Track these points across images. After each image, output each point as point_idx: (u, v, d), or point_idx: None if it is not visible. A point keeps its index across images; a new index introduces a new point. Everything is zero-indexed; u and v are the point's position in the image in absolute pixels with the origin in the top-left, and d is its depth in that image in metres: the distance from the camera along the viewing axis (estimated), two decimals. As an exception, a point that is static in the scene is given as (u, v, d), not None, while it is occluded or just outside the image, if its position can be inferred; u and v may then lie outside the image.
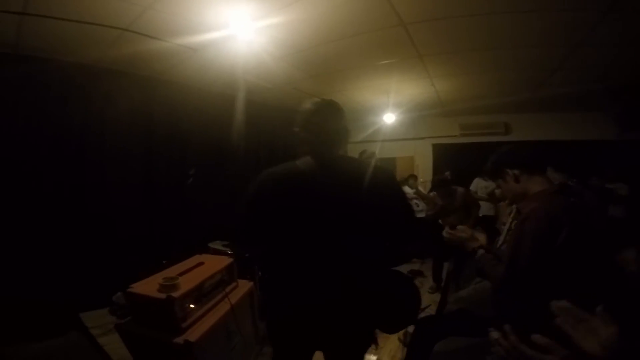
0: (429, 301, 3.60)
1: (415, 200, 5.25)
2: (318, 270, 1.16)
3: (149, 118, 3.26)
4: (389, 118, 5.16)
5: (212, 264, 2.05)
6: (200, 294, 1.82)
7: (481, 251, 1.47)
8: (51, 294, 2.55)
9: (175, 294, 1.58)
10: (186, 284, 1.71)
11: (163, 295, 1.57)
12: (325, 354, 1.32)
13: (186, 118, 3.52)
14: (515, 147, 1.52)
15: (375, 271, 1.20)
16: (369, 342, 1.31)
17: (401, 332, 2.50)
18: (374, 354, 2.53)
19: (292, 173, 1.19)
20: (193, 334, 1.67)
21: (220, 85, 3.66)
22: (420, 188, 5.43)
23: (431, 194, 5.39)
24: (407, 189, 5.35)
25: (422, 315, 1.80)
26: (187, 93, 3.55)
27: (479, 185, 5.00)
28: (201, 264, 2.04)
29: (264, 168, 1.23)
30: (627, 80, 3.50)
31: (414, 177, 5.54)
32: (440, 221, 3.78)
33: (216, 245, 2.98)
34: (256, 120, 4.38)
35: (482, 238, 1.48)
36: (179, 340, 1.61)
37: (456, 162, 5.44)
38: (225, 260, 2.09)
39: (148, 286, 1.70)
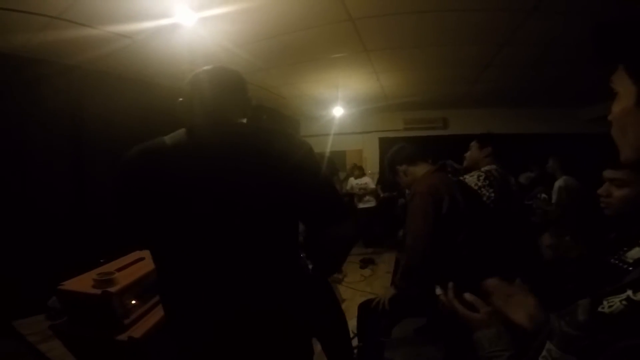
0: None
1: (361, 191, 5.47)
2: (199, 279, 0.87)
3: (77, 109, 2.99)
4: (338, 111, 5.28)
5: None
6: (142, 289, 1.73)
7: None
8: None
9: (112, 289, 1.49)
10: (124, 278, 1.62)
11: (98, 291, 1.48)
12: None
13: (123, 110, 3.29)
14: (397, 148, 1.88)
15: (274, 278, 0.90)
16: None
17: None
18: None
19: (151, 148, 0.93)
20: (137, 331, 1.59)
21: (164, 77, 3.46)
22: (369, 179, 5.65)
23: (378, 186, 5.66)
24: (352, 181, 5.55)
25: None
26: (125, 84, 3.32)
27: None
28: (141, 259, 1.93)
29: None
30: (551, 78, 3.94)
31: (359, 168, 5.74)
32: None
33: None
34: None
35: None
36: (123, 337, 1.53)
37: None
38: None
39: (82, 283, 1.59)
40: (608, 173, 1.16)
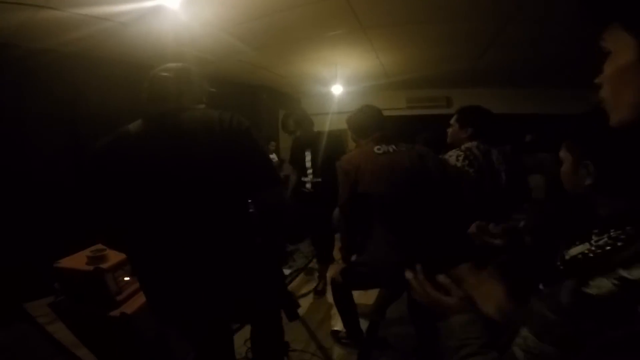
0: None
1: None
2: (164, 241, 1.05)
3: (72, 95, 3.00)
4: (337, 90, 5.20)
5: None
6: (135, 266, 1.79)
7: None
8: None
9: (104, 265, 1.56)
10: (116, 255, 1.68)
11: (91, 267, 1.54)
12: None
13: (115, 94, 3.30)
14: (356, 114, 1.97)
15: (224, 237, 1.07)
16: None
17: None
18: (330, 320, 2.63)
19: (117, 137, 1.09)
20: (130, 307, 1.66)
21: (155, 60, 3.41)
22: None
23: None
24: None
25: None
26: (118, 69, 3.30)
27: None
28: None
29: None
30: (551, 58, 3.81)
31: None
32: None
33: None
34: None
35: None
36: (116, 313, 1.61)
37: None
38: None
39: (76, 260, 1.66)
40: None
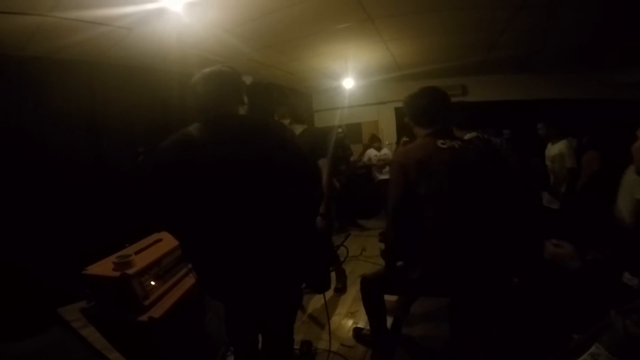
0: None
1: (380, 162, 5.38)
2: (222, 231, 1.21)
3: (91, 102, 3.08)
4: (349, 83, 5.15)
5: (171, 239, 2.03)
6: (160, 270, 1.83)
7: None
8: (24, 292, 2.47)
9: (130, 271, 1.60)
10: (142, 260, 1.72)
11: (117, 274, 1.58)
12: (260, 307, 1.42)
13: (131, 99, 3.37)
14: (411, 99, 1.70)
15: (278, 228, 1.26)
16: (293, 298, 1.48)
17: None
18: (351, 318, 2.63)
19: (184, 140, 1.22)
20: (157, 311, 1.69)
21: (163, 63, 3.47)
22: (388, 150, 5.54)
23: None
24: (371, 152, 5.44)
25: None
26: (130, 73, 3.37)
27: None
28: (159, 240, 2.04)
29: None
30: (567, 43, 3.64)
31: (379, 139, 5.61)
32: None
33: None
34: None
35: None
36: (143, 318, 1.63)
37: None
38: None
39: (102, 266, 1.70)
40: None
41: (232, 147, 1.19)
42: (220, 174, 1.17)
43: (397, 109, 6.62)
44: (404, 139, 5.53)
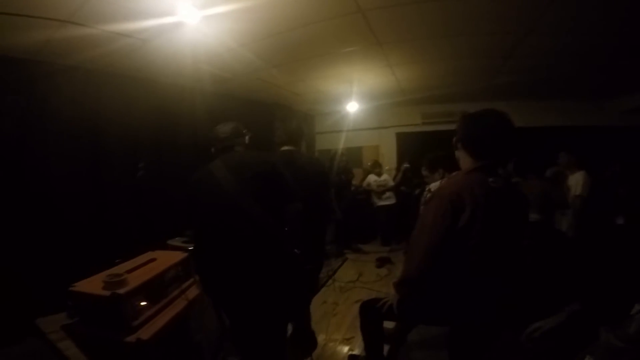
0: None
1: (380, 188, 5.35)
2: (225, 245, 1.55)
3: (95, 112, 3.05)
4: (352, 107, 5.18)
5: (165, 259, 1.96)
6: (152, 290, 1.74)
7: None
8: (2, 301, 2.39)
9: (121, 291, 1.50)
10: (134, 280, 1.63)
11: (107, 293, 1.49)
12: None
13: (137, 111, 3.34)
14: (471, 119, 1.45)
15: (268, 246, 1.56)
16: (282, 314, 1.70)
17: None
18: (346, 345, 2.55)
19: (205, 176, 1.64)
20: (146, 332, 1.60)
21: (174, 77, 3.49)
22: (388, 176, 5.52)
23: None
24: (371, 178, 5.42)
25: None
26: (137, 85, 3.36)
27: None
28: (153, 260, 1.95)
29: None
30: (574, 69, 3.70)
31: (380, 165, 5.60)
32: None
33: (175, 242, 2.85)
34: (219, 111, 4.25)
35: None
36: (131, 339, 1.54)
37: (419, 150, 5.59)
38: (180, 256, 2.01)
39: (92, 284, 1.61)
40: None
41: (237, 177, 1.58)
42: (224, 196, 1.56)
43: (398, 134, 6.66)
44: (405, 165, 5.54)
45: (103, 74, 3.08)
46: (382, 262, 4.41)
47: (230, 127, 1.79)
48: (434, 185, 2.86)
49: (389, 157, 6.64)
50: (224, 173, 1.59)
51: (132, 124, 3.32)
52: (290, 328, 2.26)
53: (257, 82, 3.99)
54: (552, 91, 4.95)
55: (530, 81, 4.30)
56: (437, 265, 1.28)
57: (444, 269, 1.30)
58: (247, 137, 1.86)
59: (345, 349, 2.51)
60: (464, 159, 1.43)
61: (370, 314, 1.72)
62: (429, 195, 2.86)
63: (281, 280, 1.59)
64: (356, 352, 2.43)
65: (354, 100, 4.99)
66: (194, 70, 3.25)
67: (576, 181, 3.52)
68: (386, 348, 2.10)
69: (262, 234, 1.54)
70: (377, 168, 5.47)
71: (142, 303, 1.67)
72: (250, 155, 1.71)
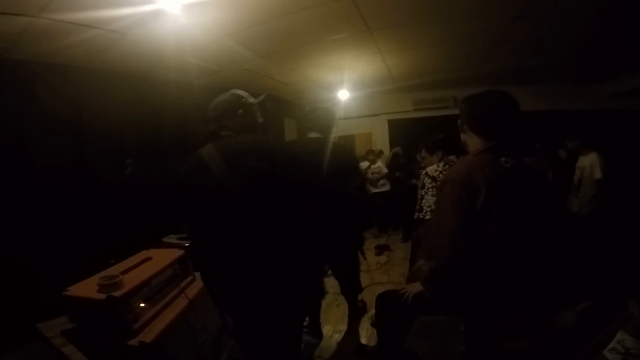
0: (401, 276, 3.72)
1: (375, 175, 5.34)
2: (223, 244, 1.31)
3: (76, 110, 2.93)
4: (344, 95, 5.13)
5: (161, 258, 1.91)
6: (150, 291, 1.70)
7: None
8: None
9: (117, 294, 1.46)
10: (130, 281, 1.58)
11: (103, 296, 1.44)
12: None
13: (121, 107, 3.23)
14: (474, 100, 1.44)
15: (272, 251, 1.27)
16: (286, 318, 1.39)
17: (372, 314, 2.53)
18: (353, 335, 2.53)
19: (197, 165, 1.35)
20: (148, 335, 1.57)
21: (157, 70, 3.37)
22: (381, 163, 5.49)
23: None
24: (364, 165, 5.39)
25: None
26: (119, 80, 3.24)
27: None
28: (148, 259, 1.90)
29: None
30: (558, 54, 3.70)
31: (374, 152, 5.58)
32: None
33: (171, 239, 2.78)
34: (207, 104, 4.14)
35: None
36: (134, 342, 1.51)
37: (410, 136, 5.58)
38: (176, 253, 1.96)
39: (86, 287, 1.56)
40: None
41: (233, 164, 1.29)
42: (220, 189, 1.27)
43: (390, 121, 6.64)
44: (396, 149, 5.53)
45: (84, 69, 2.96)
46: (380, 249, 4.42)
47: (224, 100, 1.46)
48: (431, 169, 2.86)
49: (381, 144, 6.63)
50: (218, 162, 1.29)
51: (117, 120, 3.21)
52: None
53: (246, 73, 3.89)
54: (540, 75, 4.96)
55: (517, 67, 4.30)
56: (465, 251, 1.25)
57: (466, 259, 1.26)
58: (253, 106, 1.50)
59: (352, 339, 2.50)
60: (473, 141, 1.40)
61: (389, 306, 1.67)
62: (427, 179, 2.85)
63: (294, 295, 1.35)
64: (363, 341, 2.42)
65: (345, 88, 4.93)
66: (178, 62, 3.14)
67: (591, 163, 3.53)
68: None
69: (268, 240, 1.26)
70: (370, 156, 5.45)
71: (141, 305, 1.63)
72: (246, 144, 1.36)
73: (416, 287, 1.50)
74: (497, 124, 1.35)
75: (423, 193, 2.90)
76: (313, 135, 2.23)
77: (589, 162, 3.56)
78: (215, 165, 1.29)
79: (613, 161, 3.53)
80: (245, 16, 2.42)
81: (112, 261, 1.99)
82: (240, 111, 1.46)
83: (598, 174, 3.45)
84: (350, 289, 2.56)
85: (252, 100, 1.52)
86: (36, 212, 2.64)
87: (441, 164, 2.84)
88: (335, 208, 1.96)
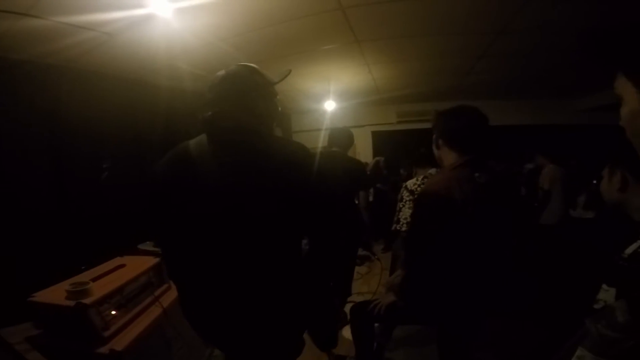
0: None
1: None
2: (215, 274, 0.97)
3: (54, 110, 2.83)
4: (330, 105, 5.17)
5: (135, 265, 1.86)
6: (122, 299, 1.63)
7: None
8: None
9: (87, 301, 1.39)
10: (101, 288, 1.52)
11: (72, 303, 1.37)
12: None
13: (101, 109, 3.14)
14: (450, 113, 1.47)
15: (274, 281, 0.97)
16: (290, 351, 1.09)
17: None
18: None
19: (179, 158, 0.98)
20: (119, 343, 1.51)
21: (142, 73, 3.31)
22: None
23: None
24: None
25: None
26: (103, 82, 3.16)
27: None
28: (121, 266, 1.84)
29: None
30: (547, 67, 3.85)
31: None
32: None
33: (147, 246, 2.70)
34: (192, 109, 4.08)
35: None
36: (104, 350, 1.45)
37: (394, 148, 5.68)
38: (151, 261, 1.91)
39: (54, 294, 1.49)
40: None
41: (237, 172, 0.92)
42: (216, 203, 0.91)
43: (374, 133, 6.73)
44: (378, 158, 5.59)
45: (64, 68, 2.87)
46: (361, 260, 4.42)
47: (232, 75, 1.04)
48: (410, 183, 2.89)
49: (365, 155, 6.68)
50: (212, 164, 0.94)
51: (97, 123, 3.12)
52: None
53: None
54: (522, 90, 5.16)
55: (497, 81, 4.47)
56: (436, 265, 1.28)
57: (438, 270, 1.29)
58: (273, 88, 1.13)
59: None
60: (447, 156, 1.43)
61: (362, 317, 1.69)
62: (405, 192, 2.89)
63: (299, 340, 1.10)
64: (342, 352, 2.38)
65: (331, 99, 4.97)
66: (166, 66, 3.09)
67: (546, 175, 3.84)
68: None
69: (273, 274, 0.96)
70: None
71: (113, 312, 1.56)
72: (256, 143, 0.98)
73: (389, 297, 1.53)
74: (473, 138, 1.38)
75: (401, 206, 2.94)
76: (334, 149, 2.71)
77: (546, 175, 3.84)
78: (206, 167, 0.93)
79: (582, 173, 3.76)
80: (238, 22, 2.41)
81: (82, 267, 1.91)
82: (253, 94, 1.04)
83: (546, 185, 3.76)
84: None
85: (272, 78, 1.12)
86: (3, 210, 2.50)
87: (420, 178, 2.88)
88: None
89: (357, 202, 3.09)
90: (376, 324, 2.26)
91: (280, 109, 1.17)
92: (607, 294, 0.99)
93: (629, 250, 0.93)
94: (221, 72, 1.06)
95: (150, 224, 1.13)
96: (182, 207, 0.94)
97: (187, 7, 2.03)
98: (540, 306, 1.89)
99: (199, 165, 0.93)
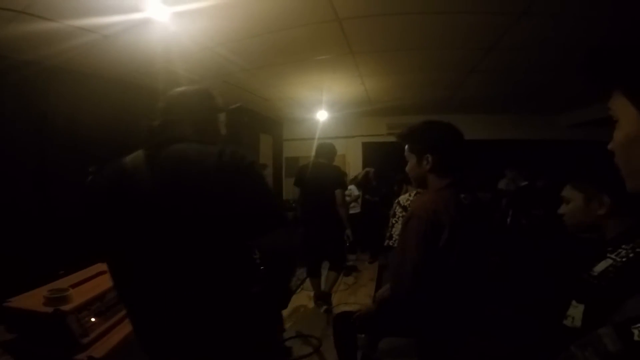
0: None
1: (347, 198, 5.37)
2: (155, 290, 0.94)
3: (42, 111, 2.77)
4: (322, 115, 5.20)
5: None
6: (102, 306, 1.57)
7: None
8: None
9: (66, 307, 1.34)
10: (81, 295, 1.47)
11: (49, 309, 1.32)
12: None
13: (90, 111, 3.08)
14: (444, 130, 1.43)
15: (217, 288, 0.94)
16: None
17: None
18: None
19: (115, 174, 1.00)
20: (98, 350, 1.45)
21: (137, 76, 3.28)
22: (353, 186, 5.54)
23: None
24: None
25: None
26: (94, 83, 3.11)
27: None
28: (103, 272, 1.77)
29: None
30: (535, 83, 3.97)
31: (345, 175, 5.62)
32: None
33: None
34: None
35: None
36: (82, 357, 1.39)
37: (384, 160, 5.72)
38: (135, 267, 1.85)
39: (32, 300, 1.42)
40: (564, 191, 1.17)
41: (168, 182, 0.94)
42: (150, 211, 0.92)
43: (364, 144, 6.78)
44: (368, 169, 5.63)
45: (58, 69, 2.82)
46: (349, 270, 4.39)
47: (186, 93, 1.12)
48: (402, 198, 2.90)
49: (355, 166, 6.72)
50: (148, 176, 0.95)
51: (85, 125, 3.06)
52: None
53: (225, 85, 3.87)
54: (511, 105, 5.32)
55: (489, 95, 4.59)
56: (425, 282, 1.28)
57: (424, 287, 1.30)
58: (222, 113, 1.19)
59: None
60: (434, 175, 1.38)
61: (344, 327, 1.69)
62: (398, 208, 2.89)
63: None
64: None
65: (323, 108, 5.00)
66: (161, 70, 3.06)
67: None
68: (358, 357, 2.11)
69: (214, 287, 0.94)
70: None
71: (92, 319, 1.50)
72: (194, 154, 0.97)
73: (372, 309, 1.56)
74: (456, 157, 1.37)
75: (394, 222, 2.93)
76: (320, 160, 3.39)
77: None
78: (145, 179, 0.94)
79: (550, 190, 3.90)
80: (235, 28, 2.43)
81: (61, 272, 1.84)
82: (203, 113, 1.11)
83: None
84: (338, 262, 3.48)
85: (222, 104, 1.19)
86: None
87: (413, 193, 2.90)
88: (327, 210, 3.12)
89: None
90: (362, 335, 2.27)
91: (224, 132, 1.21)
92: (576, 310, 0.99)
93: (599, 268, 0.94)
94: (181, 89, 1.15)
95: (92, 239, 1.14)
96: (120, 218, 0.95)
97: (184, 11, 2.03)
98: (511, 323, 1.91)
99: (133, 175, 0.96)
